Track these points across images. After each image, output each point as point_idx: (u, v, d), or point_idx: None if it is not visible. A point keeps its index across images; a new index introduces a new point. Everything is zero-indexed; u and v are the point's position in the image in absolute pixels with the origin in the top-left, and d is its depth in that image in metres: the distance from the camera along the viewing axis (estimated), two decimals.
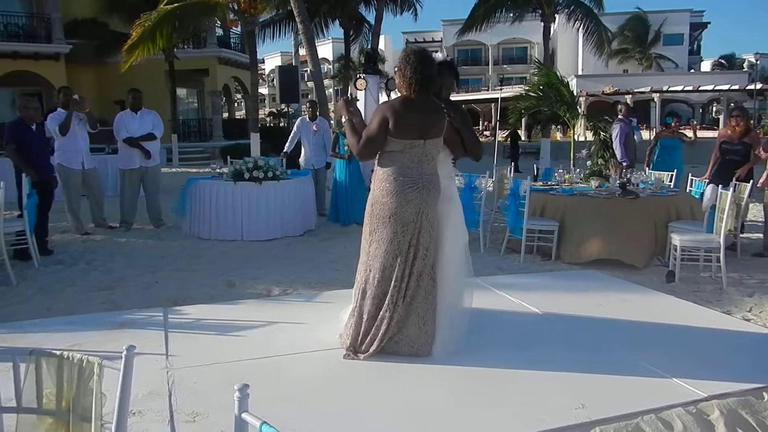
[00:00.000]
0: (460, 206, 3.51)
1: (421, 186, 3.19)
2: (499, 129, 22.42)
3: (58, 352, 1.54)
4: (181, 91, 24.56)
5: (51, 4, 20.48)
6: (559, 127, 24.44)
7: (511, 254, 6.41)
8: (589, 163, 7.47)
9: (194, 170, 16.45)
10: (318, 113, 9.40)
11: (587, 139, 15.17)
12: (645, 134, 19.72)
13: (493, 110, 37.82)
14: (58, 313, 4.41)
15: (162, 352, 3.39)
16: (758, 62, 41.31)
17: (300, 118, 9.57)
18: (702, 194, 6.97)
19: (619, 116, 8.65)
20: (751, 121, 10.07)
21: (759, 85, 28.49)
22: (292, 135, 9.11)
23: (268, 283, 5.29)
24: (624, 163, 8.15)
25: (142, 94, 8.15)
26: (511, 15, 18.69)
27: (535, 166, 9.50)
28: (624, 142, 8.25)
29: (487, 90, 43.43)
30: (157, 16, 14.29)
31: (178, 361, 3.26)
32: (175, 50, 20.00)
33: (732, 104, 21.78)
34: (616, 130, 8.40)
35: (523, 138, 25.98)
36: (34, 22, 20.86)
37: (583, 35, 18.86)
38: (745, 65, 50.90)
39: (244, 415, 1.31)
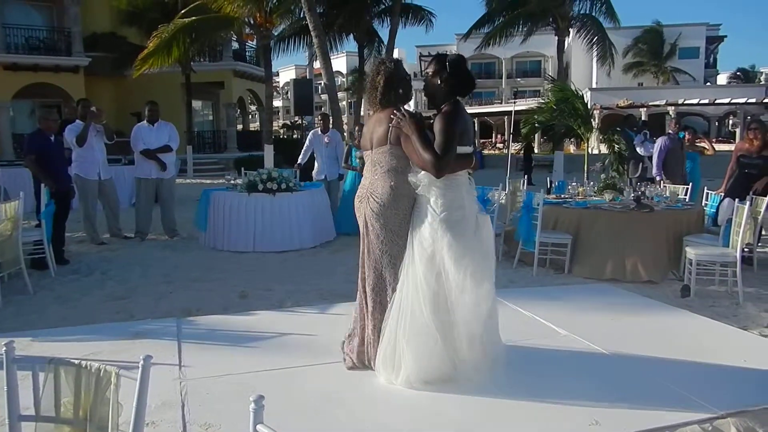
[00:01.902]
0: (452, 230, 3.07)
1: (363, 195, 3.30)
2: (512, 142, 22.39)
3: (76, 362, 1.56)
4: (196, 104, 24.82)
5: (71, 18, 20.87)
6: (572, 140, 24.38)
7: (524, 267, 6.37)
8: (603, 176, 7.44)
9: (208, 181, 16.59)
10: (330, 126, 9.46)
11: (601, 152, 15.09)
12: None
13: (506, 123, 37.78)
14: (74, 322, 4.45)
15: (175, 362, 3.42)
16: None
17: (312, 131, 9.66)
18: (717, 208, 6.92)
19: (668, 131, 8.83)
20: None
21: None
22: (305, 147, 9.18)
23: (281, 294, 5.31)
24: (658, 177, 8.42)
25: (158, 106, 8.26)
26: (525, 30, 18.77)
27: (548, 178, 9.46)
28: (664, 158, 8.49)
29: (501, 103, 43.41)
30: (174, 29, 14.51)
31: (191, 371, 3.28)
32: (191, 63, 20.25)
33: (749, 117, 21.59)
34: (658, 144, 8.66)
35: (536, 150, 25.91)
36: (55, 35, 21.27)
37: (589, 46, 18.95)
38: (762, 78, 50.48)
39: (259, 427, 1.31)
